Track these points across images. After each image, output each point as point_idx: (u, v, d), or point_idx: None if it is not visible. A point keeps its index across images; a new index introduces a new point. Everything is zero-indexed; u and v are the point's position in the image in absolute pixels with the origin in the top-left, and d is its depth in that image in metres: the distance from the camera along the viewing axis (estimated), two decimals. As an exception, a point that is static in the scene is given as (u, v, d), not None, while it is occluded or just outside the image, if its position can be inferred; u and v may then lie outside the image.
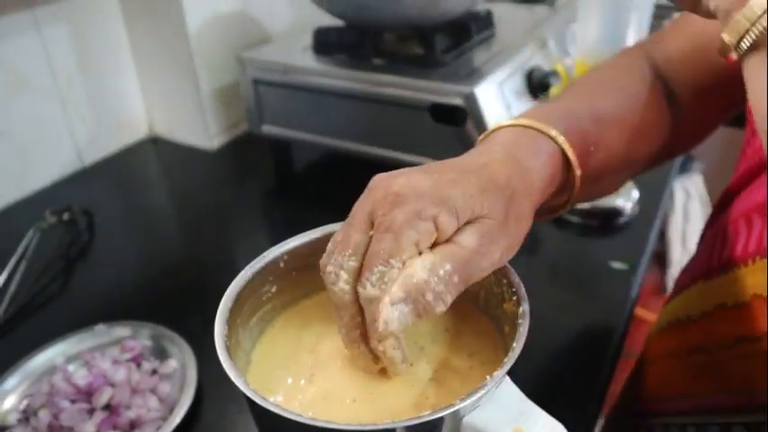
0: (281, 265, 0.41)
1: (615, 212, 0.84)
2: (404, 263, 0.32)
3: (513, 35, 0.96)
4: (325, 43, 0.90)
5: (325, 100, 0.87)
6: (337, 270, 0.33)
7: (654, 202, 0.89)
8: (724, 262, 0.49)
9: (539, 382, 0.60)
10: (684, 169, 1.45)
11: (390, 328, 0.32)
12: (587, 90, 0.52)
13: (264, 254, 0.41)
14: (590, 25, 0.89)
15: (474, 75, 0.79)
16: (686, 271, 0.58)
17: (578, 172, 0.42)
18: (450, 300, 0.32)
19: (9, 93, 0.91)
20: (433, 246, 0.33)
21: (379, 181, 0.35)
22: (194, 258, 0.83)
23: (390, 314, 0.32)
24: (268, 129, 0.94)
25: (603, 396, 0.61)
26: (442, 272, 0.32)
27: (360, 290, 0.33)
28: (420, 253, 0.33)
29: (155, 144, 1.12)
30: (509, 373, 0.32)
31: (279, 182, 0.99)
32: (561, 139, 0.41)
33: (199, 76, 1.01)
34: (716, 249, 0.52)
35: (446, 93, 0.76)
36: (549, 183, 0.40)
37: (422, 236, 0.32)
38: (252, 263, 0.40)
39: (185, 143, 1.10)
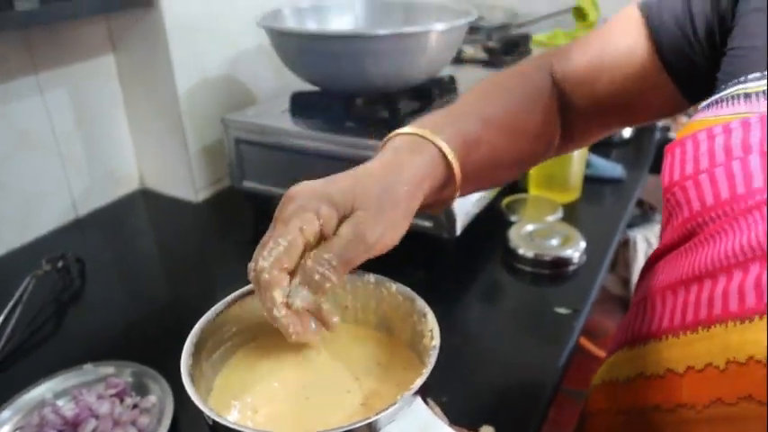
0: (239, 308, 0.49)
1: (563, 262, 0.92)
2: (288, 242, 0.43)
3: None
4: (301, 107, 1.00)
5: (300, 159, 0.95)
6: (252, 264, 0.45)
7: (601, 251, 0.97)
8: (644, 333, 0.53)
9: (479, 415, 0.67)
10: (646, 220, 1.54)
11: (296, 305, 0.43)
12: (482, 94, 0.61)
13: (226, 298, 0.49)
14: None
15: (432, 138, 0.88)
16: (617, 334, 0.62)
17: (457, 168, 0.51)
18: (335, 279, 0.43)
19: (12, 149, 0.99)
20: (324, 237, 0.44)
21: (286, 192, 0.46)
22: (177, 303, 0.91)
23: (293, 294, 0.43)
24: (249, 184, 1.02)
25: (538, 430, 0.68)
26: (323, 259, 0.43)
27: (250, 265, 0.45)
28: (308, 242, 0.43)
29: (144, 196, 1.20)
30: (425, 396, 0.39)
31: (258, 233, 1.07)
32: (441, 143, 0.50)
33: (187, 135, 1.10)
34: (638, 319, 0.55)
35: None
36: (429, 176, 0.49)
37: (304, 223, 0.43)
38: (215, 306, 0.48)
39: (173, 195, 1.18)
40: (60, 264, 0.93)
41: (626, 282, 1.52)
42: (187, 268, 1.00)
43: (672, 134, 1.42)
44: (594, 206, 1.12)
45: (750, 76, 0.50)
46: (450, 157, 0.51)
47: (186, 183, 1.15)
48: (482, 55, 1.30)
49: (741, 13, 0.54)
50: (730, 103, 0.50)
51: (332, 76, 0.92)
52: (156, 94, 1.09)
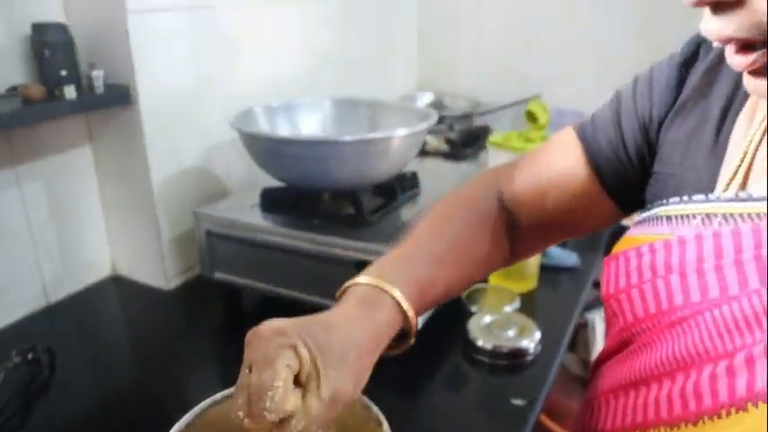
0: (214, 413, 0.52)
1: (520, 353, 0.96)
2: (283, 382, 0.43)
3: (438, 191, 1.12)
4: (270, 202, 1.05)
5: (269, 253, 1.00)
6: (243, 409, 0.45)
7: (556, 340, 1.01)
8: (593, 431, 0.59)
9: None
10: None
11: None
12: (432, 230, 0.65)
13: (201, 404, 0.52)
14: None
15: (395, 234, 0.93)
16: (572, 427, 0.69)
17: (414, 320, 0.55)
18: None
19: (-14, 241, 1.02)
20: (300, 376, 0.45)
21: (251, 333, 0.47)
22: (147, 392, 0.93)
23: None
24: (219, 275, 1.06)
25: None
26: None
27: (239, 409, 0.45)
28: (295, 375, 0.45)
29: (116, 283, 1.23)
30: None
31: (228, 321, 1.10)
32: (398, 296, 0.54)
33: (160, 224, 1.14)
34: (587, 417, 0.61)
35: (370, 251, 0.90)
36: (387, 333, 0.53)
37: (289, 360, 0.44)
38: (191, 411, 0.51)
39: (144, 283, 1.21)
40: (30, 355, 0.95)
41: (586, 363, 1.57)
42: (157, 357, 1.02)
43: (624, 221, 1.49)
44: (551, 294, 1.18)
45: (671, 200, 0.57)
46: (409, 311, 0.55)
47: (158, 271, 1.18)
48: (444, 147, 1.38)
49: (662, 142, 0.61)
50: (655, 223, 0.58)
51: (299, 176, 0.97)
52: (130, 185, 1.14)
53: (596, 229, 0.73)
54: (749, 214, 0.50)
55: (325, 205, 1.04)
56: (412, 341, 0.58)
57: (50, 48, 0.96)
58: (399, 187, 1.07)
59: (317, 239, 0.95)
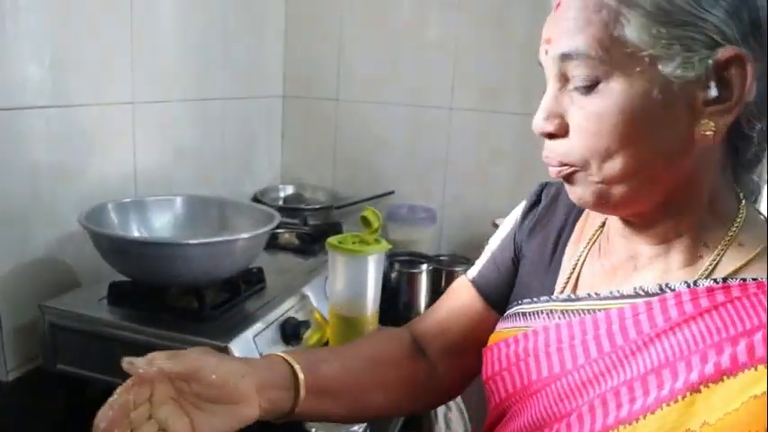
0: None
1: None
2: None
3: (283, 284, 1.21)
4: (118, 296, 1.09)
5: (114, 347, 1.03)
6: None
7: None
8: None
9: None
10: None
11: None
12: (342, 346, 0.88)
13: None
14: (338, 278, 1.16)
15: (233, 330, 1.00)
16: None
17: (301, 376, 0.70)
18: None
19: None
20: None
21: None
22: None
23: None
24: (63, 367, 1.08)
25: None
26: None
27: None
28: None
29: (-48, 375, 1.20)
30: None
31: (70, 414, 1.11)
32: (291, 359, 0.71)
33: (1, 314, 1.14)
34: None
35: (211, 345, 0.96)
36: (272, 368, 0.70)
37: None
38: None
39: (-18, 375, 1.19)
40: None
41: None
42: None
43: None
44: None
45: (524, 300, 0.78)
46: (290, 360, 0.72)
47: (-3, 362, 1.17)
48: (295, 242, 1.48)
49: (521, 259, 0.85)
50: (514, 319, 0.78)
51: (145, 273, 1.03)
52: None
53: None
54: (579, 310, 0.69)
55: (170, 300, 1.09)
56: (302, 393, 0.70)
57: None
58: (243, 283, 1.15)
59: (161, 334, 1.00)
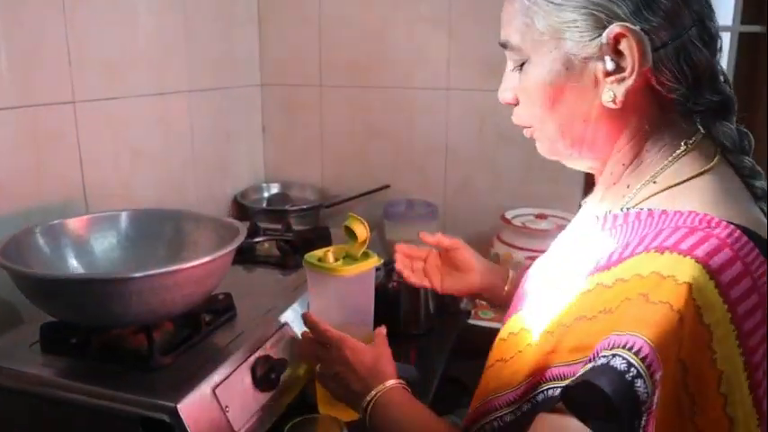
0: None
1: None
2: None
3: (256, 313, 1.00)
4: (51, 340, 0.89)
5: (42, 406, 0.83)
6: None
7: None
8: None
9: None
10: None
11: None
12: None
13: None
14: (319, 302, 0.95)
15: (187, 382, 0.80)
16: None
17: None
18: None
19: None
20: None
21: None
22: None
23: None
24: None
25: None
26: None
27: None
28: None
29: None
30: None
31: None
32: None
33: None
34: None
35: (154, 407, 0.76)
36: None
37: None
38: None
39: None
40: None
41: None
42: None
43: (473, 320, 1.44)
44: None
45: None
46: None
47: None
48: (276, 252, 1.27)
49: None
50: None
51: (79, 317, 0.83)
52: None
53: None
54: None
55: (116, 341, 0.89)
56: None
57: None
58: (208, 313, 0.94)
59: (97, 392, 0.80)
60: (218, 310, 0.98)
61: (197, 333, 0.91)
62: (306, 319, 0.91)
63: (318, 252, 0.94)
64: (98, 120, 1.23)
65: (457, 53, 1.66)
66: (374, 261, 0.94)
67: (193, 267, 0.81)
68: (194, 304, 0.89)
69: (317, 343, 0.90)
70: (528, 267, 0.91)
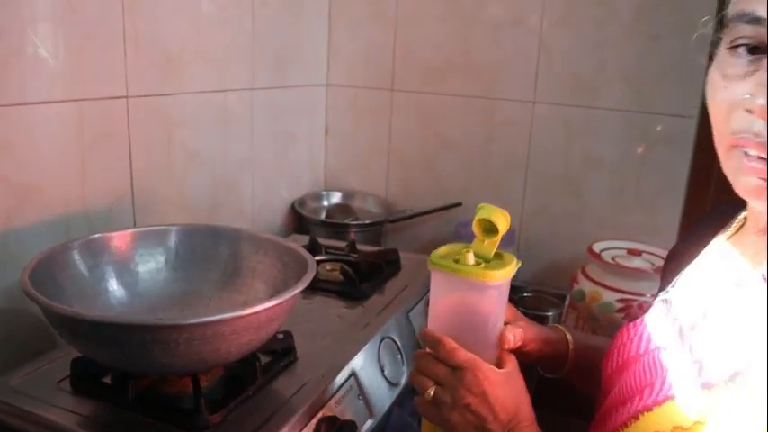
0: None
1: None
2: None
3: (318, 357, 0.86)
4: (82, 378, 0.76)
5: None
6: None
7: None
8: None
9: None
10: None
11: None
12: None
13: None
14: (447, 318, 0.76)
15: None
16: None
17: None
18: None
19: None
20: None
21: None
22: None
23: None
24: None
25: None
26: None
27: None
28: None
29: None
30: None
31: None
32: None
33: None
34: None
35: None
36: None
37: None
38: None
39: None
40: None
41: None
42: None
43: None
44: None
45: None
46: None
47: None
48: (338, 278, 1.12)
49: None
50: None
51: (114, 361, 0.70)
52: None
53: None
54: None
55: (156, 389, 0.75)
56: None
57: None
58: (264, 354, 0.80)
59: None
60: (276, 351, 0.84)
61: (252, 382, 0.77)
62: (428, 336, 0.71)
63: (444, 249, 0.73)
64: (152, 117, 1.10)
65: (546, 64, 1.49)
66: (515, 262, 0.72)
67: (254, 314, 0.66)
68: (251, 352, 0.75)
69: (439, 363, 0.70)
70: (628, 328, 0.74)
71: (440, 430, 0.72)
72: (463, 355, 0.68)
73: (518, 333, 0.73)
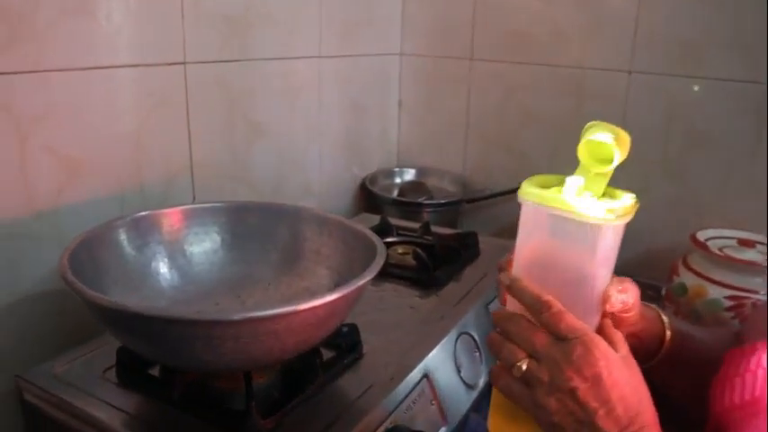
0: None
1: None
2: None
3: (387, 354, 0.76)
4: (129, 368, 0.69)
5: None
6: None
7: None
8: None
9: None
10: None
11: None
12: None
13: None
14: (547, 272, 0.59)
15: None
16: None
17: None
18: None
19: None
20: None
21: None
22: None
23: None
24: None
25: None
26: None
27: None
28: None
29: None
30: None
31: None
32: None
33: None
34: None
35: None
36: None
37: None
38: None
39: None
40: None
41: None
42: None
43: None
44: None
45: None
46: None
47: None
48: (411, 263, 1.02)
49: None
50: None
51: (162, 357, 0.62)
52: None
53: None
54: None
55: (207, 385, 0.68)
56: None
57: None
58: (326, 347, 0.71)
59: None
60: (339, 345, 0.74)
61: (311, 380, 0.68)
62: (526, 292, 0.54)
63: (540, 178, 0.58)
64: (212, 85, 1.02)
65: (646, 29, 1.33)
66: (634, 200, 0.56)
67: (312, 308, 0.57)
68: (309, 349, 0.65)
69: (538, 329, 0.53)
70: (757, 354, 0.56)
71: (519, 422, 0.55)
72: (575, 321, 0.52)
73: (633, 291, 0.57)
